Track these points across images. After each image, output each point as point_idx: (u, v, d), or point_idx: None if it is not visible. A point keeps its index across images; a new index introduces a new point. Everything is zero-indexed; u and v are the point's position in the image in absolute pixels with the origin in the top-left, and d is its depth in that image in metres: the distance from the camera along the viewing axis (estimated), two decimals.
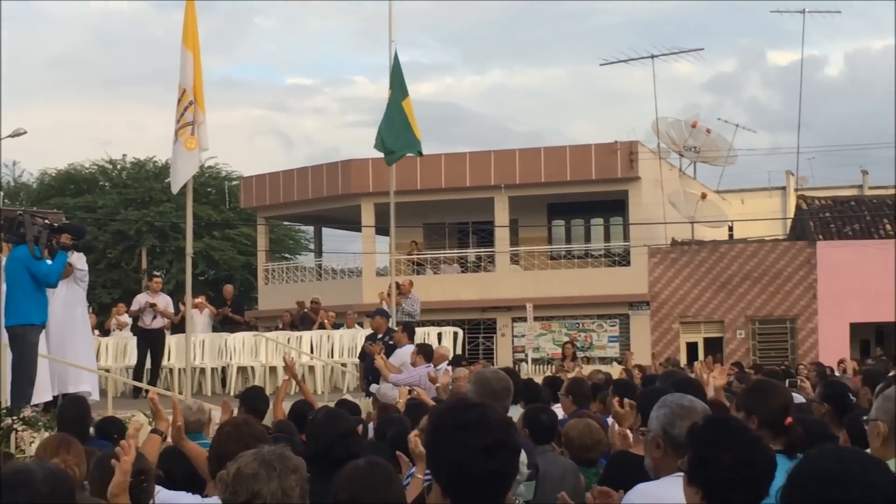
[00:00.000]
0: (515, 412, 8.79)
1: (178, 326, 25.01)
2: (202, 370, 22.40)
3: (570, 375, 18.86)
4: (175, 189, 15.52)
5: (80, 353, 15.61)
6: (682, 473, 4.66)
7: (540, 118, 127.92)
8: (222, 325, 25.37)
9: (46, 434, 10.91)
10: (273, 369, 21.66)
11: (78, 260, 14.97)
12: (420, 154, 23.56)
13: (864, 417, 5.23)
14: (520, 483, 5.84)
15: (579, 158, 40.77)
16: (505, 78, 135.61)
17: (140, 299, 21.54)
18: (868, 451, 4.90)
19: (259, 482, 3.89)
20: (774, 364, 29.05)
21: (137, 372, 21.06)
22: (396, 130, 21.57)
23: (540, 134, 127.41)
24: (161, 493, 5.63)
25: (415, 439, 6.51)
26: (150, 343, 20.97)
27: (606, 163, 40.60)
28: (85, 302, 16.08)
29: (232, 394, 21.42)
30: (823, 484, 2.95)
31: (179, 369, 22.49)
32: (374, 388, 14.10)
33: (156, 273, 24.71)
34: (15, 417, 11.62)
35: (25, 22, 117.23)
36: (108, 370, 20.64)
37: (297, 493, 3.94)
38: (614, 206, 42.57)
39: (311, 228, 52.79)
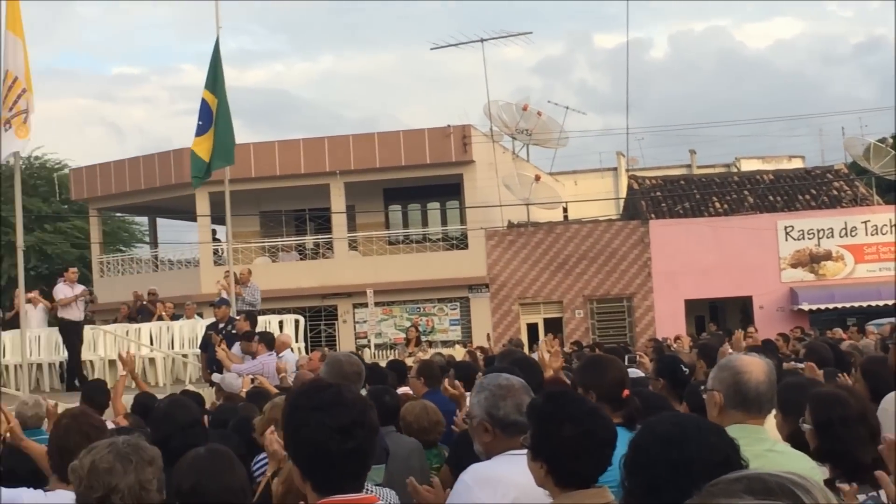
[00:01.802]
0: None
1: (12, 322, 24.49)
2: (39, 366, 21.95)
3: (410, 359, 19.03)
4: None
5: None
6: (513, 452, 4.74)
7: (372, 104, 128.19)
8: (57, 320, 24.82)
9: None
10: (112, 362, 21.32)
11: None
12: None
13: (702, 388, 5.38)
14: None
15: (413, 143, 40.86)
16: (335, 64, 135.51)
17: (65, 290, 21.01)
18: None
19: (115, 476, 3.81)
20: (613, 342, 29.65)
21: (73, 366, 20.60)
22: (222, 137, 21.16)
23: (373, 119, 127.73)
24: (2, 492, 5.52)
25: (270, 437, 6.47)
26: (79, 334, 20.59)
27: (440, 147, 40.78)
28: None
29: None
30: (662, 446, 3.06)
31: (16, 365, 22.05)
32: (217, 377, 14.00)
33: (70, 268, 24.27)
34: None
35: None
36: None
37: (154, 485, 3.87)
38: (450, 190, 42.81)
39: (145, 219, 51.93)
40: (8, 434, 6.64)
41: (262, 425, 7.58)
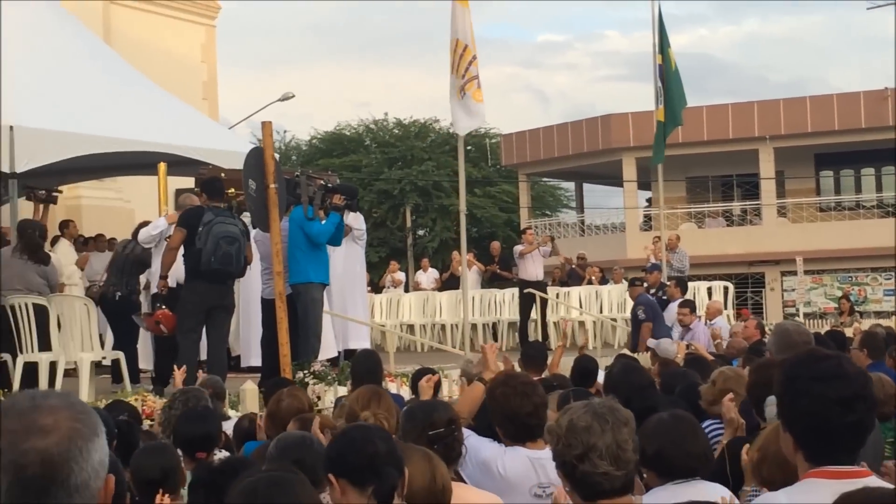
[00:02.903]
0: None
1: (449, 283, 25.52)
2: (473, 326, 22.71)
3: (848, 330, 18.45)
4: (463, 132, 15.79)
5: (359, 309, 16.03)
6: None
7: (799, 67, 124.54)
8: (490, 281, 25.61)
9: (340, 388, 11.27)
10: (544, 325, 21.76)
11: (355, 220, 15.33)
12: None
13: None
14: None
15: (847, 106, 39.45)
16: (760, 27, 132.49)
17: (519, 249, 21.82)
18: None
19: (593, 435, 3.88)
20: None
21: (523, 327, 21.39)
22: (673, 100, 21.18)
23: (800, 83, 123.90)
24: (470, 437, 5.71)
25: (729, 405, 6.41)
26: (532, 295, 21.25)
27: (876, 110, 39.14)
28: (363, 260, 16.44)
29: (504, 349, 21.73)
30: None
31: (452, 325, 22.95)
32: (651, 343, 14.05)
33: (528, 228, 25.18)
34: (306, 371, 12.02)
35: None
36: (383, 326, 21.20)
37: (630, 445, 3.91)
38: (886, 155, 40.95)
39: (571, 184, 52.77)
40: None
41: (711, 393, 7.53)
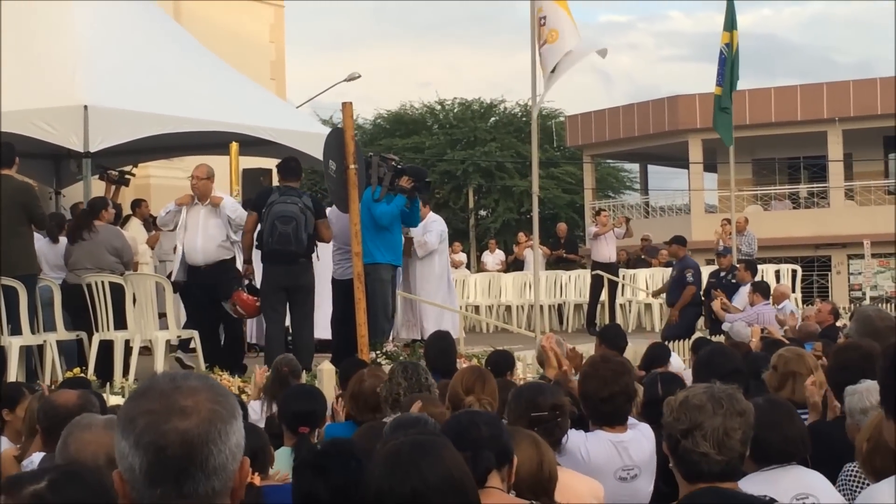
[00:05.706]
0: None
1: (514, 266, 25.49)
2: (539, 307, 22.63)
3: None
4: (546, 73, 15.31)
5: (441, 296, 15.86)
6: None
7: (865, 48, 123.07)
8: (554, 264, 25.47)
9: None
10: (612, 307, 21.63)
11: (437, 223, 15.22)
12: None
13: None
14: None
15: None
16: (825, 7, 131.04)
17: (592, 230, 21.83)
18: None
19: (703, 414, 3.85)
20: None
21: (591, 309, 21.40)
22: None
23: (867, 64, 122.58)
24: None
25: (811, 388, 6.35)
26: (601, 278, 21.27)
27: None
28: (445, 249, 16.22)
29: (569, 331, 21.65)
30: None
31: (517, 306, 22.89)
32: (726, 326, 13.94)
33: (602, 210, 25.23)
34: (378, 352, 12.00)
35: None
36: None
37: (738, 435, 3.86)
38: None
39: (635, 166, 52.47)
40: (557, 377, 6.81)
41: (774, 378, 7.39)
